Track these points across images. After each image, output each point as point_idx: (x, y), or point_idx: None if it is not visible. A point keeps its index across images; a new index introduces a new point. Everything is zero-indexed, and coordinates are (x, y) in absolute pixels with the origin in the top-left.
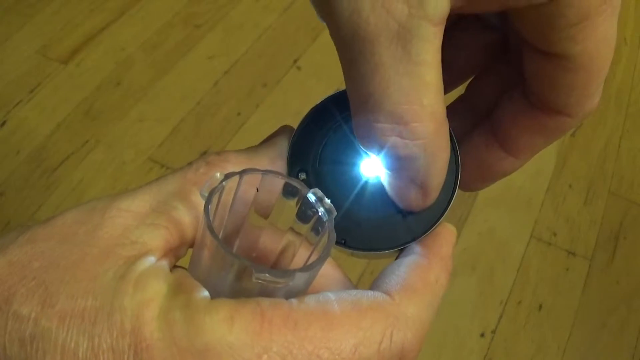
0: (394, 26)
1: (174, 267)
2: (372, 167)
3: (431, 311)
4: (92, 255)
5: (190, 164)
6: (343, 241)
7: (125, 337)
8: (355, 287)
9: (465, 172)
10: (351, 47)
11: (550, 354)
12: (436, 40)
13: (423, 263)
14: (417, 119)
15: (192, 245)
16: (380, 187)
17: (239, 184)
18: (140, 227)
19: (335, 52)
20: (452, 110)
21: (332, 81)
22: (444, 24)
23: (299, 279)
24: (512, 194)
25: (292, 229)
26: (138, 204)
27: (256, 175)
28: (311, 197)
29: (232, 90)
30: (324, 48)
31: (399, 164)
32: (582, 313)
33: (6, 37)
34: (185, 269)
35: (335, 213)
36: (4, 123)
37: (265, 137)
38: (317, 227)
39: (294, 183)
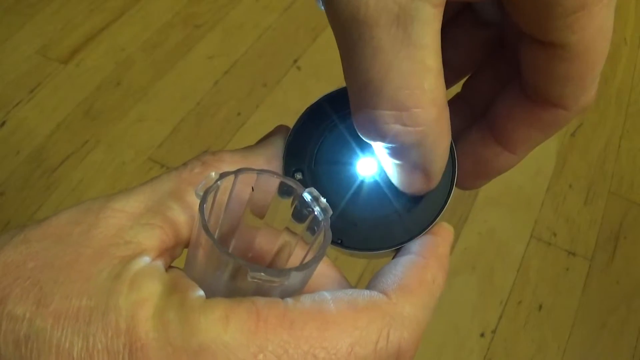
0: (394, 8)
1: (169, 267)
2: (369, 167)
3: (428, 311)
4: (86, 255)
5: (185, 163)
6: (339, 241)
7: (120, 336)
8: (352, 286)
9: (462, 170)
10: (350, 31)
11: (550, 354)
12: (436, 22)
13: (420, 262)
14: (418, 105)
15: (187, 245)
16: (377, 187)
17: (234, 184)
18: (135, 227)
19: (336, 52)
20: (449, 109)
21: (332, 81)
22: (444, 5)
23: (295, 278)
24: (512, 193)
25: (287, 229)
26: (132, 204)
27: (251, 175)
28: (307, 197)
29: (232, 90)
30: (324, 48)
31: (401, 151)
32: (582, 313)
33: (6, 37)
34: (181, 269)
35: (331, 212)
36: (3, 123)
37: None
38: (313, 227)
39: (290, 182)
